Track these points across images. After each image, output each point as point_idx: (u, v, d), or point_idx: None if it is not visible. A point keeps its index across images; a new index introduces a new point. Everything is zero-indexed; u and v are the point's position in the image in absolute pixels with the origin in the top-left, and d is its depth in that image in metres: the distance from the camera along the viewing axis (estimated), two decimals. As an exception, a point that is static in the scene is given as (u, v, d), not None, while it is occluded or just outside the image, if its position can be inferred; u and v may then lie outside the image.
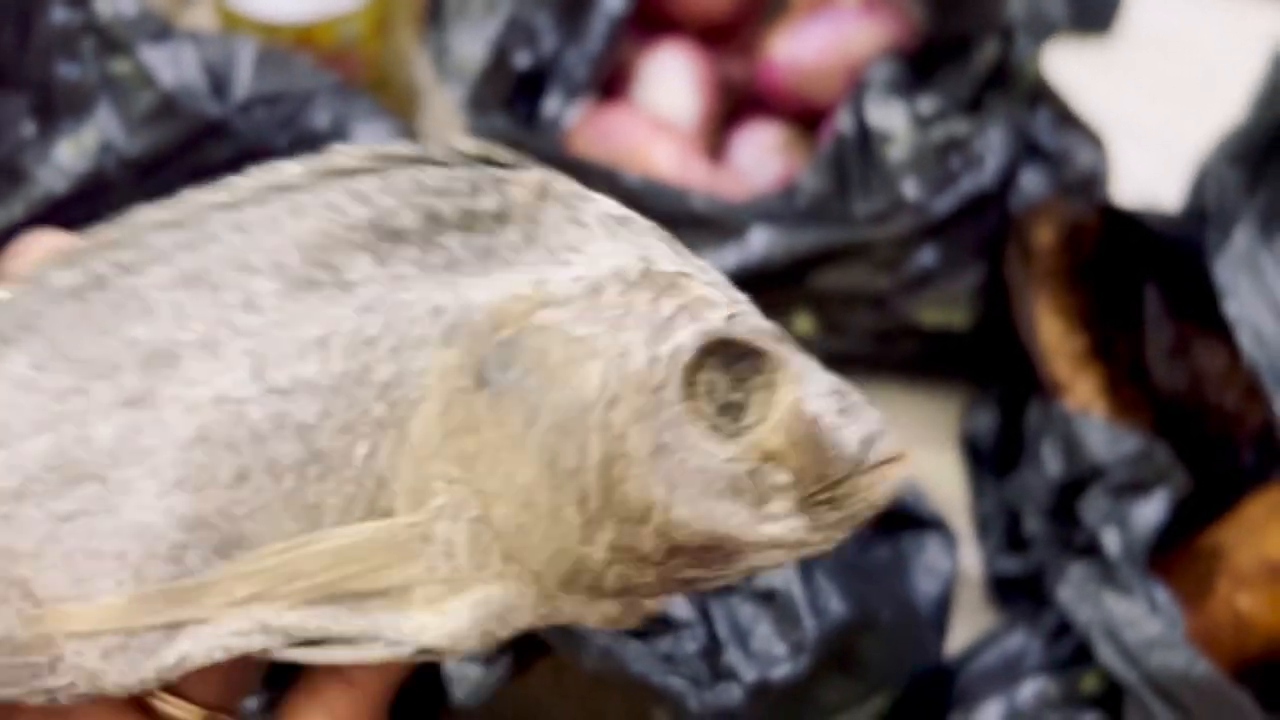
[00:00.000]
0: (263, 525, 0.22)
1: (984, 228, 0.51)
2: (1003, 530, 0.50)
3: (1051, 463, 0.48)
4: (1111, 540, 0.43)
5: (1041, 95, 0.56)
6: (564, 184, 0.23)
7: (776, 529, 0.21)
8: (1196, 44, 0.70)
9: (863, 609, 0.35)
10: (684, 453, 0.20)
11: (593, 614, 0.22)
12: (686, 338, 0.21)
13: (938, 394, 0.55)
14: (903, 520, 0.48)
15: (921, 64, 0.54)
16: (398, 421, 0.22)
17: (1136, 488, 0.45)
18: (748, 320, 0.22)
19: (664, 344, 0.21)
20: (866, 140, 0.50)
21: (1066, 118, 0.56)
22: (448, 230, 0.23)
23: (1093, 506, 0.45)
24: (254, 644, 0.21)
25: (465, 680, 0.36)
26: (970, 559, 0.50)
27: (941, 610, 0.46)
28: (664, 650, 0.32)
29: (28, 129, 0.45)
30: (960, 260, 0.51)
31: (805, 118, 0.56)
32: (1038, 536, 0.47)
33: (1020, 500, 0.49)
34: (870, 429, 0.21)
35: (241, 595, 0.21)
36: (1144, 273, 0.52)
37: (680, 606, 0.34)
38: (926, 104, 0.50)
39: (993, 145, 0.51)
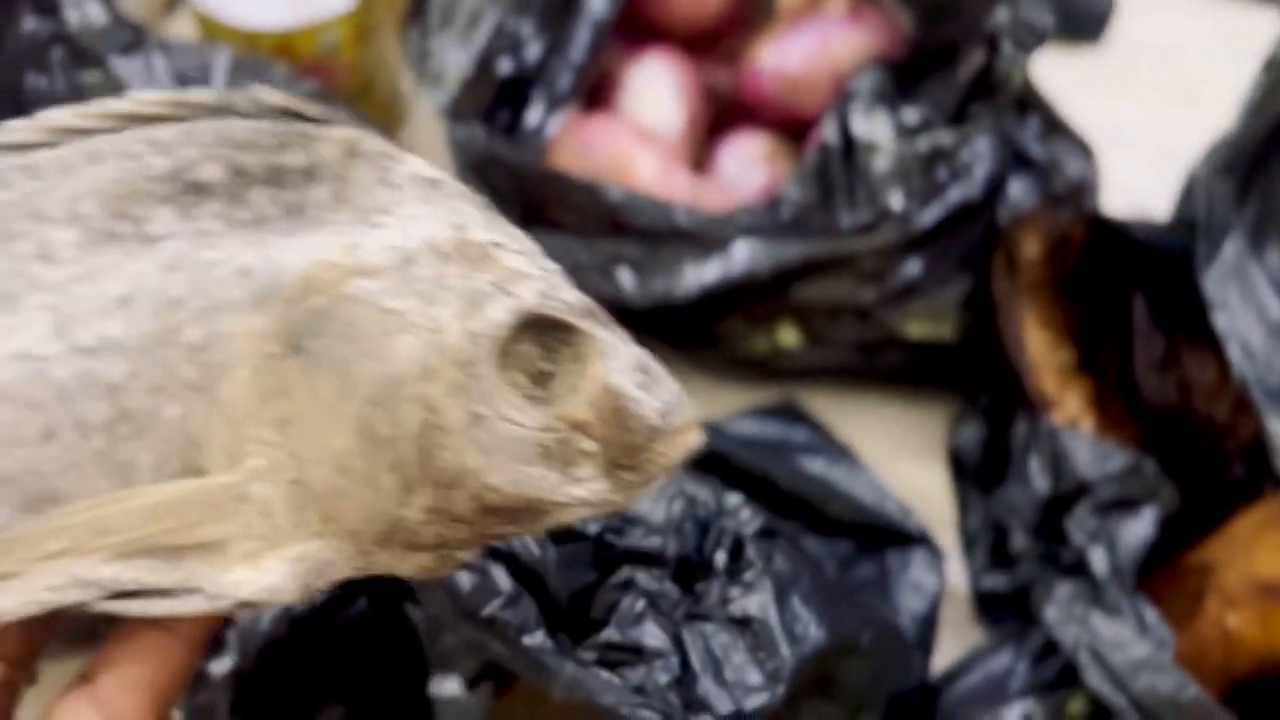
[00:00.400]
0: (73, 482, 0.21)
1: (970, 239, 0.50)
2: (989, 546, 0.49)
3: (1038, 478, 0.47)
4: (1099, 559, 0.43)
5: (1029, 104, 0.55)
6: (374, 142, 0.23)
7: (582, 491, 0.22)
8: (1186, 52, 0.70)
9: (841, 633, 0.34)
10: (497, 422, 0.21)
11: (408, 565, 0.22)
12: (500, 314, 0.21)
13: (923, 407, 0.54)
14: (889, 536, 0.47)
15: (908, 73, 0.53)
16: (209, 384, 0.21)
17: (1124, 505, 0.44)
18: (559, 295, 0.22)
19: (477, 319, 0.21)
20: (851, 151, 0.50)
21: (1054, 127, 0.56)
22: (254, 185, 0.22)
23: (1080, 524, 0.44)
24: (69, 597, 0.21)
25: (452, 707, 0.35)
26: (956, 574, 0.50)
27: (927, 627, 0.45)
28: (635, 681, 0.31)
29: (-3, 141, 0.45)
30: (946, 272, 0.50)
31: (791, 127, 0.56)
32: (1024, 553, 0.46)
33: (1007, 515, 0.48)
34: (668, 400, 0.23)
35: (53, 549, 0.21)
36: (1132, 284, 0.51)
37: (653, 636, 0.33)
38: (912, 114, 0.49)
39: (979, 155, 0.50)
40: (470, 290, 0.21)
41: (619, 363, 0.22)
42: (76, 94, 0.45)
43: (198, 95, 0.22)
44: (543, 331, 0.22)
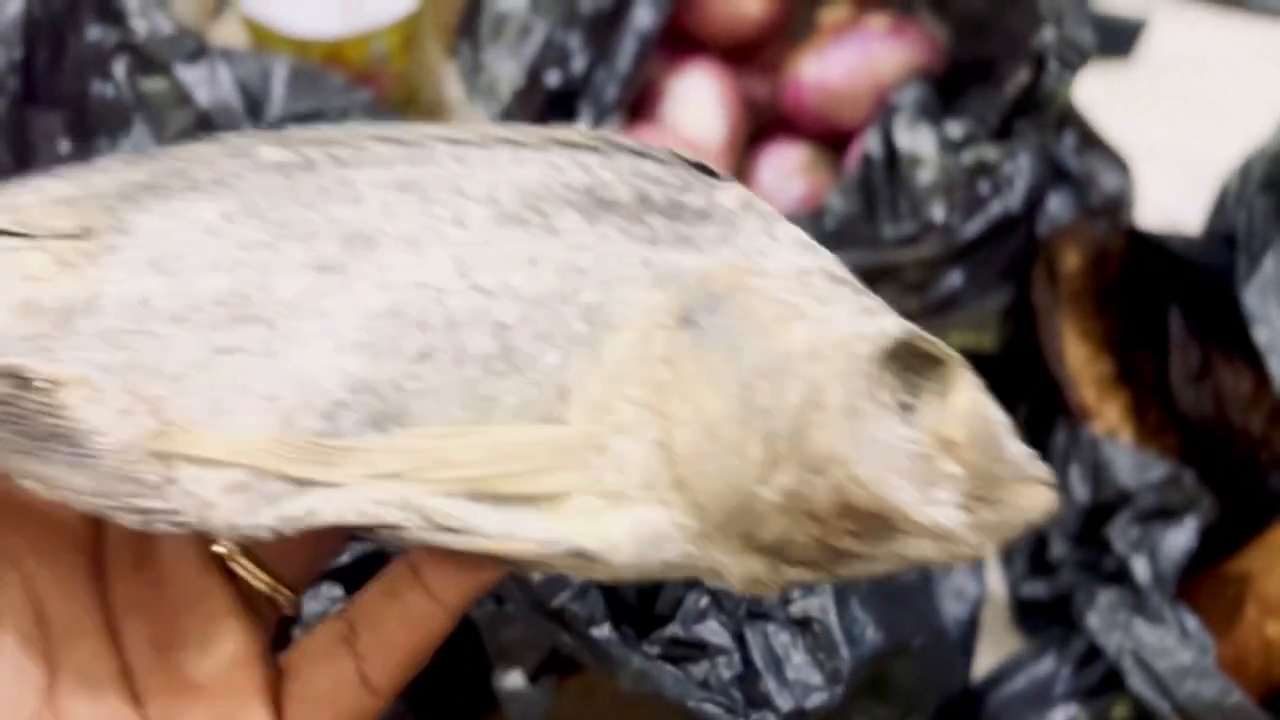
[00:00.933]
0: (429, 407, 0.21)
1: (1011, 251, 0.51)
2: (1028, 554, 0.50)
3: (1079, 487, 0.48)
4: (1141, 567, 0.43)
5: (1067, 119, 0.56)
6: (764, 205, 0.24)
7: (939, 515, 0.21)
8: (1215, 66, 0.70)
9: (896, 636, 0.35)
10: (872, 420, 0.21)
11: (737, 568, 0.22)
12: (890, 325, 0.22)
13: (963, 416, 0.55)
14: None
15: (948, 88, 0.54)
16: (594, 340, 0.22)
17: (1165, 514, 0.45)
18: (928, 335, 0.23)
19: (868, 324, 0.22)
20: (895, 163, 0.51)
21: (1091, 142, 0.56)
22: (654, 213, 0.24)
23: (1122, 532, 0.45)
24: (389, 517, 0.20)
25: (517, 698, 0.36)
26: (994, 582, 0.50)
27: (968, 634, 0.46)
28: (699, 676, 0.32)
29: (63, 146, 0.46)
30: (987, 283, 0.51)
31: (829, 138, 0.57)
32: (1064, 561, 0.47)
33: (1046, 524, 0.49)
34: (1030, 450, 0.22)
35: (386, 469, 0.21)
36: (1168, 296, 0.52)
37: (715, 633, 0.34)
38: (956, 128, 0.50)
39: (1021, 169, 0.51)
40: (860, 304, 0.22)
41: (989, 398, 0.22)
42: (140, 101, 0.46)
43: (623, 139, 0.24)
44: (909, 364, 0.22)
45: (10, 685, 0.21)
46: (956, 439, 0.21)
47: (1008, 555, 0.51)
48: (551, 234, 0.23)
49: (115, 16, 0.46)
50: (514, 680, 0.37)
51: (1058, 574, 0.47)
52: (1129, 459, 0.46)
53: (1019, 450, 0.22)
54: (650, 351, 0.22)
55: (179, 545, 0.23)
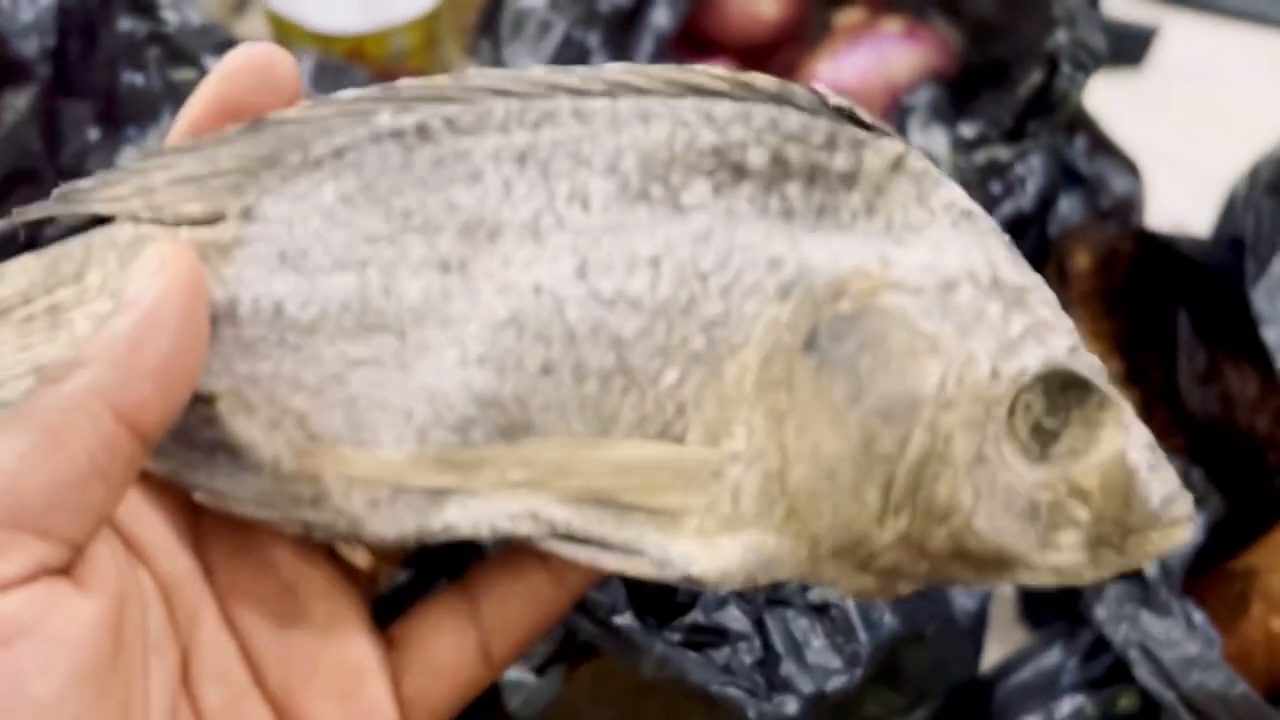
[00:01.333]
0: (553, 419, 0.22)
1: (1022, 251, 0.52)
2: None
3: (1087, 484, 0.48)
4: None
5: (1078, 123, 0.57)
6: (918, 161, 0.22)
7: (1059, 559, 0.21)
8: (1225, 75, 0.71)
9: (911, 622, 0.36)
10: (999, 467, 0.21)
11: (849, 584, 0.22)
12: (1033, 362, 0.21)
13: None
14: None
15: (961, 90, 0.55)
16: (714, 359, 0.22)
17: (1172, 510, 0.46)
18: (1084, 357, 0.22)
19: (1010, 362, 0.21)
20: (908, 163, 0.51)
21: (1102, 146, 0.57)
22: (791, 178, 0.22)
23: (1129, 527, 0.46)
24: (521, 528, 0.21)
25: (520, 690, 0.37)
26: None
27: (977, 626, 0.47)
28: (721, 661, 0.33)
29: (93, 135, 0.46)
30: (998, 283, 0.52)
31: (845, 139, 0.57)
32: (1072, 556, 0.48)
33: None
34: (1172, 489, 0.22)
35: (516, 479, 0.21)
36: (1176, 298, 0.53)
37: (736, 619, 0.34)
38: (968, 129, 0.51)
39: (1032, 170, 0.52)
40: (1007, 332, 0.21)
41: (1135, 439, 0.21)
42: (170, 91, 0.46)
43: (762, 80, 0.22)
44: (1057, 389, 0.21)
45: (154, 669, 0.21)
46: (1089, 488, 0.21)
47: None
48: (678, 212, 0.22)
49: (146, 9, 0.47)
50: (518, 672, 0.37)
51: (1066, 569, 0.48)
52: (1137, 456, 0.47)
53: (1156, 495, 0.21)
54: (770, 375, 0.21)
55: (273, 532, 0.23)
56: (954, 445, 0.20)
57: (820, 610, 0.34)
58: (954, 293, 0.21)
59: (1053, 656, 0.45)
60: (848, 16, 0.59)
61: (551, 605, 0.24)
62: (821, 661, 0.33)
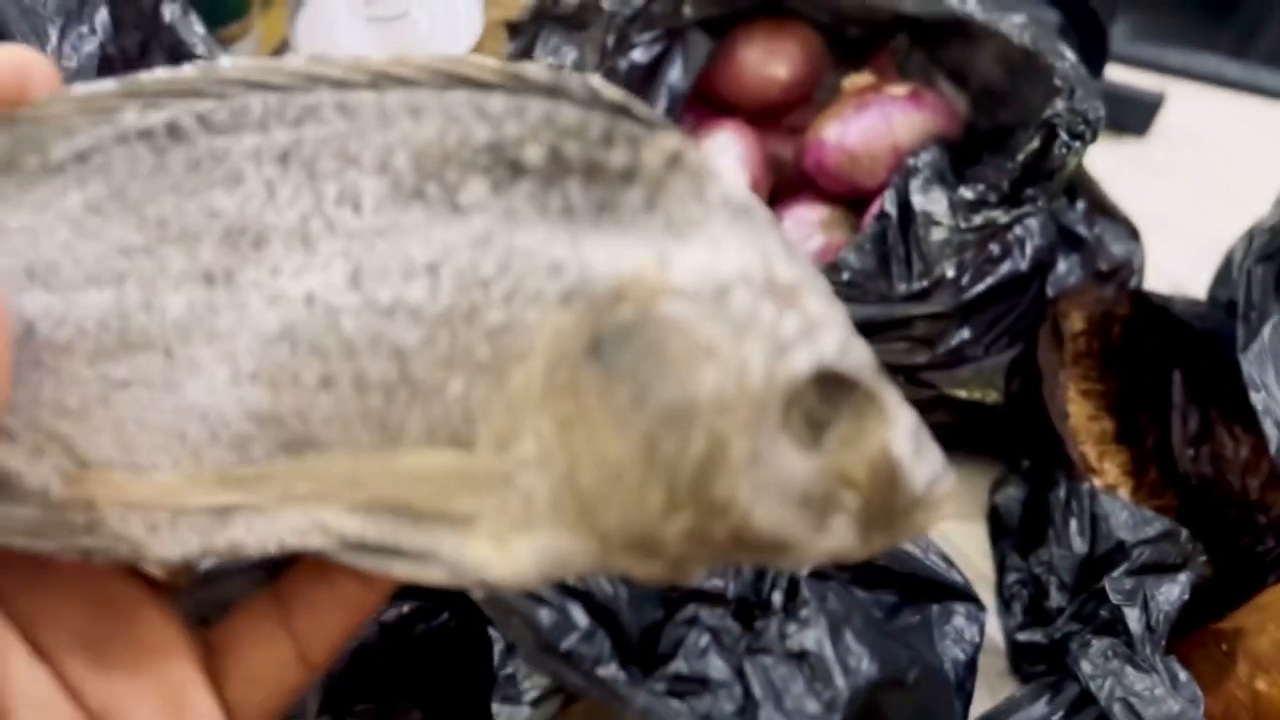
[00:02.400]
0: (336, 433, 0.21)
1: (1018, 310, 0.53)
2: (1026, 603, 0.51)
3: (1077, 539, 0.49)
4: (1134, 618, 0.45)
5: (1079, 187, 0.59)
6: (695, 155, 0.22)
7: (832, 542, 0.22)
8: (1230, 145, 0.73)
9: (890, 668, 0.37)
10: (772, 464, 0.21)
11: (643, 570, 0.22)
12: (803, 363, 0.21)
13: (969, 467, 0.57)
14: (932, 589, 0.49)
15: (963, 153, 0.57)
16: (498, 368, 0.21)
17: (1159, 569, 0.47)
18: (853, 349, 0.22)
19: (782, 365, 0.21)
20: (909, 222, 0.53)
21: (1102, 209, 0.59)
22: (570, 175, 0.22)
23: (1117, 584, 0.46)
24: (310, 542, 0.21)
25: (515, 720, 0.38)
26: (993, 628, 0.52)
27: (967, 675, 0.47)
28: (703, 709, 0.34)
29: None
30: (994, 340, 0.53)
31: (849, 198, 0.59)
32: (1061, 610, 0.49)
33: (1045, 574, 0.50)
34: (934, 470, 0.22)
35: (302, 492, 0.21)
36: (1171, 359, 0.54)
37: (717, 668, 0.36)
38: (968, 191, 0.52)
39: (1030, 233, 0.53)
40: (779, 335, 0.21)
41: (900, 429, 0.22)
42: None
43: (535, 71, 0.21)
44: (827, 384, 0.22)
45: None
46: (858, 478, 0.22)
47: (1007, 603, 0.52)
48: (455, 213, 0.21)
49: (183, 59, 0.49)
50: (513, 708, 0.38)
51: (1055, 622, 0.49)
52: (1126, 514, 0.48)
53: (920, 478, 0.22)
54: (556, 382, 0.21)
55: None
56: (731, 447, 0.21)
57: (799, 657, 0.36)
58: (729, 296, 0.21)
59: (1038, 710, 0.45)
60: (856, 81, 0.61)
61: (362, 607, 0.24)
62: (800, 707, 0.34)
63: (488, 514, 0.21)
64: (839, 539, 0.22)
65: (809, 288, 0.22)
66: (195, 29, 0.49)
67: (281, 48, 0.70)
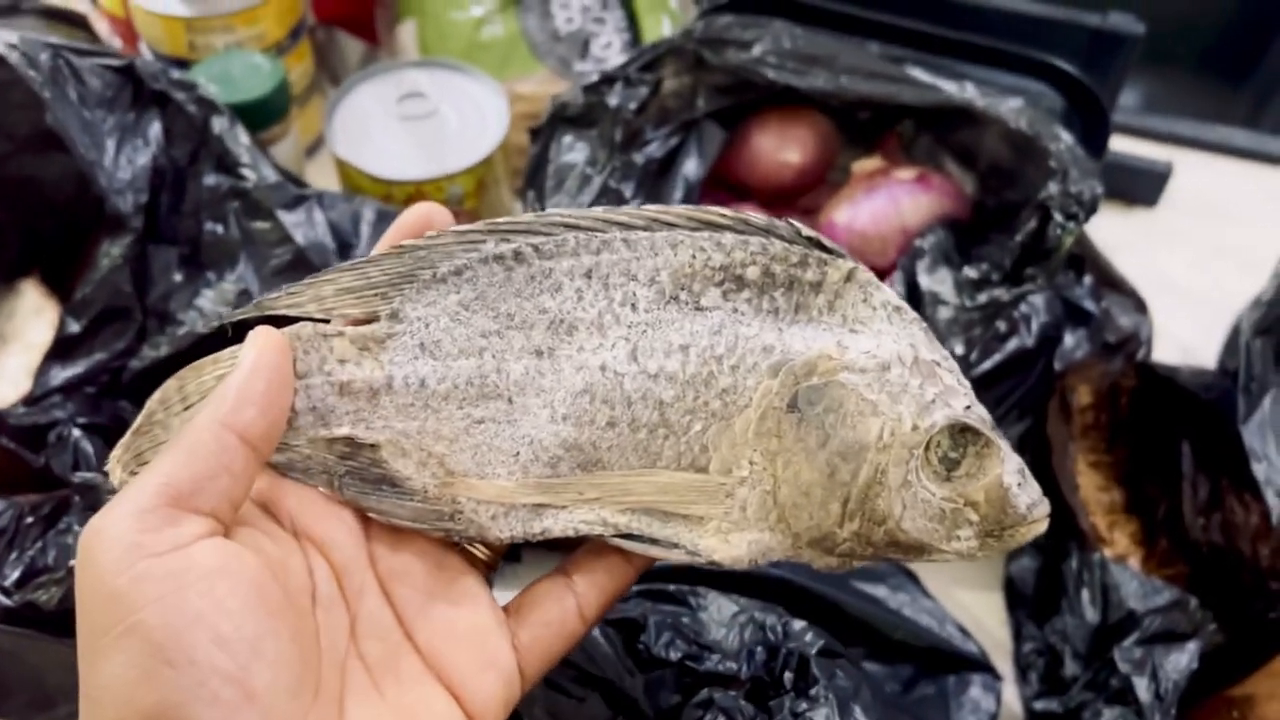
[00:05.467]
0: (615, 457, 0.31)
1: (1027, 385, 0.55)
2: (1042, 671, 0.52)
3: (1089, 609, 0.50)
4: (1143, 687, 0.46)
5: (1086, 261, 0.61)
6: (865, 274, 0.32)
7: (959, 546, 0.31)
8: (1238, 212, 0.74)
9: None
10: (918, 488, 0.31)
11: (820, 562, 0.32)
12: (940, 418, 0.31)
13: (983, 538, 0.58)
14: (949, 660, 0.51)
15: (973, 233, 0.59)
16: (726, 415, 0.31)
17: (1169, 637, 0.48)
18: (976, 409, 0.31)
19: (925, 418, 0.31)
20: (918, 302, 0.55)
21: (1109, 282, 0.60)
22: (777, 287, 0.32)
23: (1126, 654, 0.47)
24: (595, 530, 0.31)
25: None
26: (1010, 697, 0.53)
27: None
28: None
29: (178, 277, 0.52)
30: (1003, 416, 0.55)
31: (863, 276, 0.61)
32: (1075, 679, 0.50)
33: (1059, 643, 0.51)
34: (1034, 498, 0.31)
35: (591, 496, 0.31)
36: (1180, 429, 0.55)
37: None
38: (972, 271, 0.54)
39: (1036, 309, 0.55)
40: (923, 398, 0.31)
41: (1009, 466, 0.31)
42: (248, 238, 0.52)
43: (755, 217, 0.32)
44: (959, 432, 0.31)
45: (329, 626, 0.30)
46: (979, 501, 0.31)
47: (1024, 672, 0.53)
48: (698, 311, 0.32)
49: (229, 168, 0.53)
50: None
51: (1069, 691, 0.50)
52: (1136, 584, 0.49)
53: (1023, 503, 0.31)
54: (765, 426, 0.31)
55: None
56: (888, 475, 0.30)
57: None
58: (888, 371, 0.31)
59: (1053, 778, 0.46)
60: (866, 164, 0.63)
61: (625, 576, 0.33)
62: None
63: (715, 516, 0.32)
64: (964, 544, 0.31)
65: (944, 367, 0.32)
66: (241, 139, 0.53)
67: (317, 144, 0.74)
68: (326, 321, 0.32)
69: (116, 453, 0.32)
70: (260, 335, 0.30)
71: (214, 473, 0.28)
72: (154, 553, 0.26)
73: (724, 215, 0.32)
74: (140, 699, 0.25)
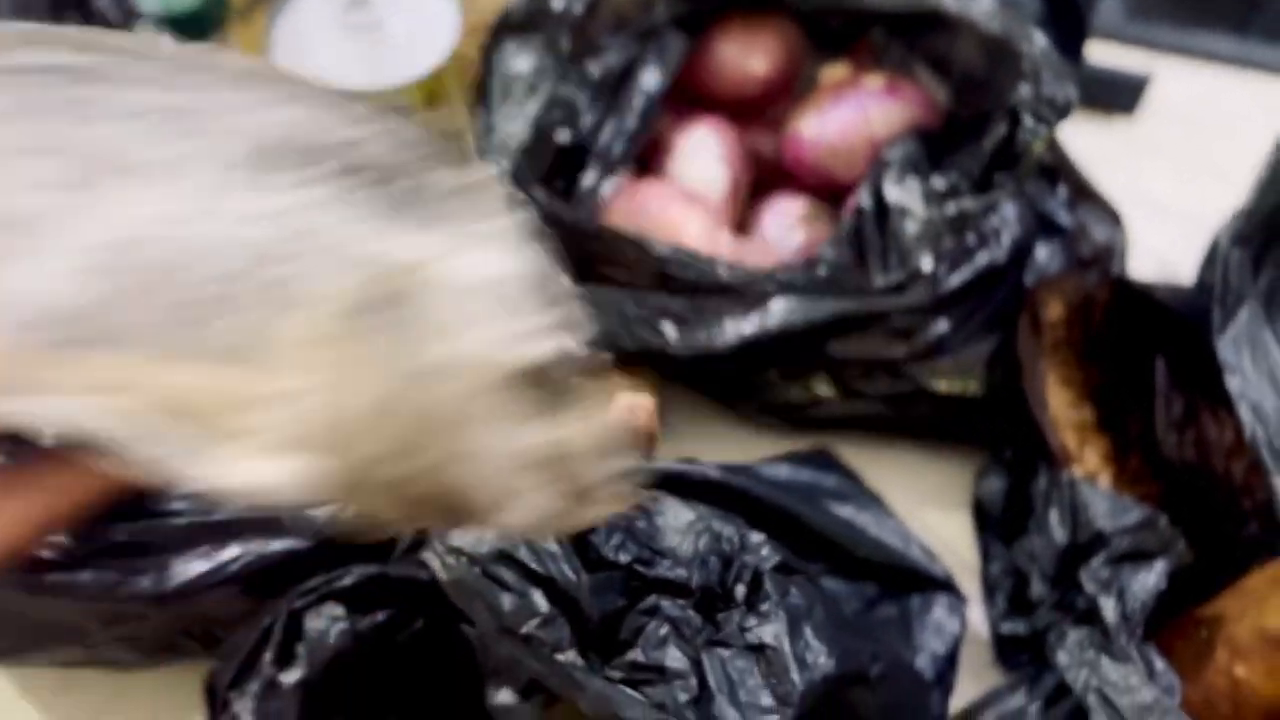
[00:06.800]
0: (141, 338, 0.24)
1: (997, 300, 0.53)
2: (1009, 592, 0.51)
3: (1057, 529, 0.49)
4: (1109, 607, 0.45)
5: (1059, 173, 0.58)
6: (499, 188, 0.28)
7: (529, 507, 0.26)
8: (1220, 122, 0.72)
9: (851, 664, 0.37)
10: (492, 432, 0.25)
11: (368, 507, 0.26)
12: (545, 351, 0.26)
13: (950, 458, 0.56)
14: (913, 580, 0.49)
15: (943, 143, 0.57)
16: (286, 309, 0.25)
17: (1137, 557, 0.47)
18: (572, 349, 0.27)
19: (528, 344, 0.26)
20: (885, 215, 0.53)
21: (1083, 194, 0.58)
22: (395, 178, 0.26)
23: (1093, 574, 0.46)
24: (94, 425, 0.24)
25: (508, 714, 0.39)
26: (978, 619, 0.52)
27: (947, 667, 0.48)
28: (657, 699, 0.34)
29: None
30: (973, 331, 0.53)
31: (828, 192, 0.59)
32: (1042, 600, 0.49)
33: (1027, 564, 0.50)
34: (629, 467, 0.27)
35: (99, 382, 0.24)
36: (1154, 345, 0.53)
37: (674, 658, 0.36)
38: (940, 181, 0.52)
39: (1007, 221, 0.53)
40: (527, 324, 0.26)
41: (601, 421, 0.27)
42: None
43: (397, 121, 0.27)
44: (544, 375, 0.26)
45: None
46: (570, 451, 0.26)
47: (990, 593, 0.52)
48: (296, 187, 0.25)
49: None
50: (504, 697, 0.39)
51: (1036, 613, 0.49)
52: (1105, 502, 0.48)
53: (609, 471, 0.27)
54: (336, 328, 0.25)
55: None
56: (472, 406, 0.25)
57: (757, 650, 0.36)
58: (493, 290, 0.26)
59: (1016, 700, 0.45)
60: (833, 73, 0.61)
61: (52, 510, 0.26)
62: (754, 700, 0.35)
63: (252, 431, 0.24)
64: (538, 504, 0.26)
65: (562, 298, 0.27)
66: (167, 49, 0.50)
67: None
68: None
69: None
70: None
71: None
72: None
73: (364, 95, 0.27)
74: None
